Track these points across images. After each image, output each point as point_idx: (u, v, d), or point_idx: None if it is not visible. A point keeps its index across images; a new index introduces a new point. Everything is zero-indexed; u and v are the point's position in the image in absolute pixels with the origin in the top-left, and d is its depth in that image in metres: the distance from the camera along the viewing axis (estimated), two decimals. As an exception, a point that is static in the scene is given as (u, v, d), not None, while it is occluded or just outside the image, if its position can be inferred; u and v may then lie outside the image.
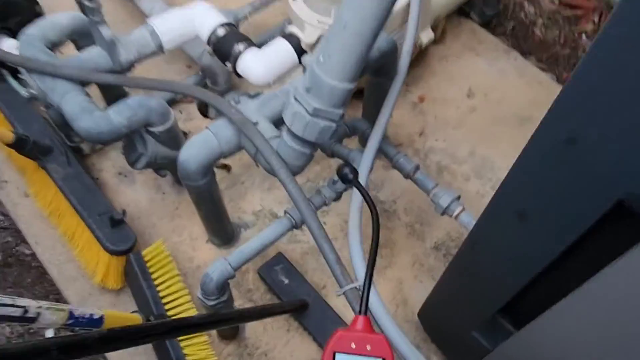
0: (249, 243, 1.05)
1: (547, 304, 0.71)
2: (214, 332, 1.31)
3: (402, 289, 1.40)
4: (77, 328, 0.98)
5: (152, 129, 1.23)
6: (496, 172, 1.58)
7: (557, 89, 1.80)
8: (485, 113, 1.69)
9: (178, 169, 1.08)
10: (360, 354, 0.46)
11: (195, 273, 1.40)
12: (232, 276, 1.02)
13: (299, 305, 1.25)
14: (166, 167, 1.35)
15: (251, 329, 1.32)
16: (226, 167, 1.54)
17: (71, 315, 0.94)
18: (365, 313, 0.50)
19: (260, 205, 1.50)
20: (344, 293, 0.92)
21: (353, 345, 0.46)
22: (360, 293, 0.53)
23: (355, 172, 1.06)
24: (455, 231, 1.47)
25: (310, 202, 1.03)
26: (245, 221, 1.48)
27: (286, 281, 1.34)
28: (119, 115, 1.14)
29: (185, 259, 1.41)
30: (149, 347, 1.28)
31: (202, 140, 1.05)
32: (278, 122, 1.11)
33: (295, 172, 1.01)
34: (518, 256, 0.78)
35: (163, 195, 1.51)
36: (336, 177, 1.12)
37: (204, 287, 1.01)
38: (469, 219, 1.18)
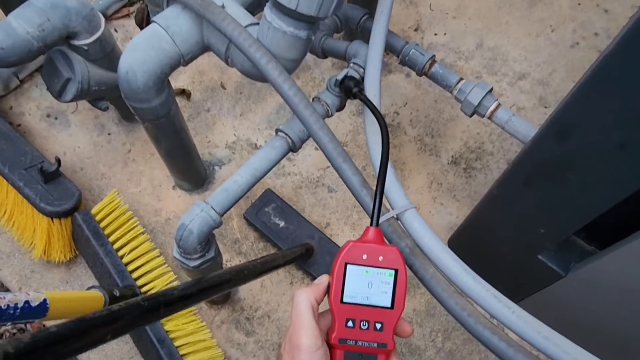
0: (234, 177, 0.77)
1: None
2: (199, 297, 1.04)
3: (421, 216, 1.15)
4: (9, 324, 0.69)
5: (76, 42, 0.91)
6: (511, 65, 1.32)
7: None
8: (488, -3, 1.41)
9: (121, 86, 0.77)
10: (372, 265, 0.44)
11: (166, 228, 1.11)
12: (218, 224, 0.74)
13: (304, 251, 0.98)
14: (106, 96, 1.02)
15: (245, 288, 1.06)
16: (184, 93, 1.23)
17: (-6, 307, 0.65)
18: (377, 224, 0.48)
19: (235, 136, 1.20)
20: (379, 226, 0.66)
21: (365, 257, 0.44)
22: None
23: (359, 84, 0.79)
24: (473, 140, 1.22)
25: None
26: (218, 157, 1.18)
27: (281, 223, 1.07)
28: (24, 23, 0.81)
29: (149, 212, 1.12)
30: (118, 327, 1.01)
31: (149, 39, 0.74)
32: (252, 7, 0.80)
33: (287, 68, 0.72)
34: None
35: (109, 136, 1.19)
36: (339, 76, 0.83)
37: (182, 244, 0.73)
38: (509, 115, 0.92)
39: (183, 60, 0.77)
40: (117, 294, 0.87)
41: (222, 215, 0.75)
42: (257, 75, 0.76)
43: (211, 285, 0.63)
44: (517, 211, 0.77)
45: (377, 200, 0.51)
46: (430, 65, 0.97)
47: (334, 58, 0.95)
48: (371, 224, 0.48)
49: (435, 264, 0.65)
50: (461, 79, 0.95)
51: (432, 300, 1.06)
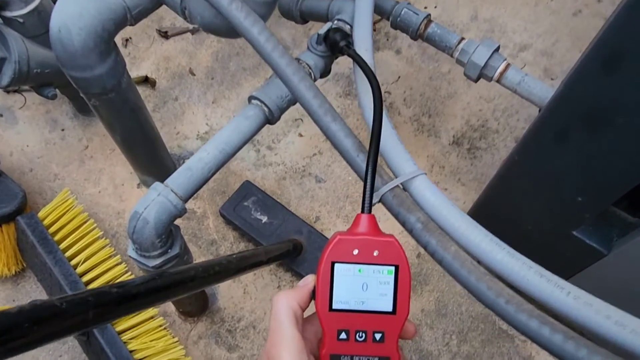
0: (199, 154, 0.62)
1: None
2: (172, 309, 0.89)
3: (423, 204, 1.01)
4: None
5: (9, 14, 0.77)
6: (510, 36, 1.20)
7: None
8: (479, -34, 1.29)
9: (54, 49, 0.63)
10: (365, 262, 0.35)
11: (130, 232, 0.96)
12: (180, 212, 0.60)
13: (291, 248, 0.84)
14: (53, 82, 0.88)
15: (225, 296, 0.91)
16: (148, 81, 1.09)
17: None
18: (370, 210, 0.38)
19: (207, 125, 1.06)
20: (380, 199, 0.53)
21: (356, 252, 0.35)
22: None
23: (346, 37, 0.67)
24: (476, 117, 1.09)
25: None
26: (189, 150, 1.04)
27: (264, 219, 0.92)
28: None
29: (110, 214, 0.97)
30: (74, 350, 0.85)
31: (83, -13, 0.60)
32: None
33: (259, 14, 0.58)
34: None
35: (62, 132, 1.04)
36: (322, 30, 0.70)
37: (137, 238, 0.59)
38: (521, 76, 0.79)
39: (130, 15, 0.63)
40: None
41: (185, 200, 0.60)
42: (221, 26, 0.62)
43: (169, 283, 0.49)
44: (547, 178, 0.63)
45: (370, 176, 0.41)
46: (426, 26, 0.85)
47: (316, 21, 0.82)
48: (362, 210, 0.38)
49: (457, 240, 0.51)
50: (462, 38, 0.83)
51: (442, 297, 0.92)
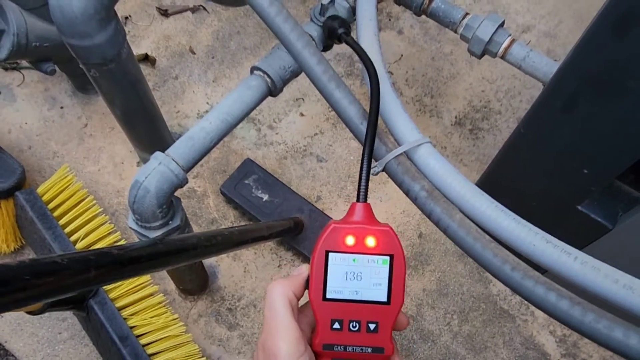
0: (201, 123, 0.62)
1: None
2: (172, 287, 0.88)
3: (425, 184, 1.00)
4: None
5: (7, -16, 0.75)
6: (514, 18, 1.19)
7: None
8: (483, -53, 1.28)
9: (53, 16, 0.62)
10: (360, 252, 0.35)
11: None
12: (182, 182, 0.59)
13: (292, 225, 0.83)
14: (52, 57, 0.87)
15: (226, 274, 0.91)
16: (148, 59, 1.07)
17: None
18: (365, 199, 0.37)
19: (207, 104, 1.05)
20: (384, 168, 0.52)
21: (350, 241, 0.35)
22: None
23: (345, 24, 0.65)
24: (478, 98, 1.08)
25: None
26: (189, 129, 1.03)
27: (264, 197, 0.92)
28: None
29: (110, 192, 0.96)
30: (74, 327, 0.85)
31: (83, -48, 0.58)
32: None
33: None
34: None
35: (61, 110, 1.03)
36: (325, 1, 0.69)
37: (138, 207, 0.58)
38: (526, 51, 0.78)
39: (131, -19, 0.61)
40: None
41: (187, 170, 0.60)
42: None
43: (170, 249, 0.48)
44: (553, 149, 0.62)
45: (365, 163, 0.39)
46: (430, 1, 0.83)
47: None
48: (358, 199, 0.37)
49: (462, 208, 0.50)
50: (467, 13, 0.82)
51: (444, 277, 0.92)
